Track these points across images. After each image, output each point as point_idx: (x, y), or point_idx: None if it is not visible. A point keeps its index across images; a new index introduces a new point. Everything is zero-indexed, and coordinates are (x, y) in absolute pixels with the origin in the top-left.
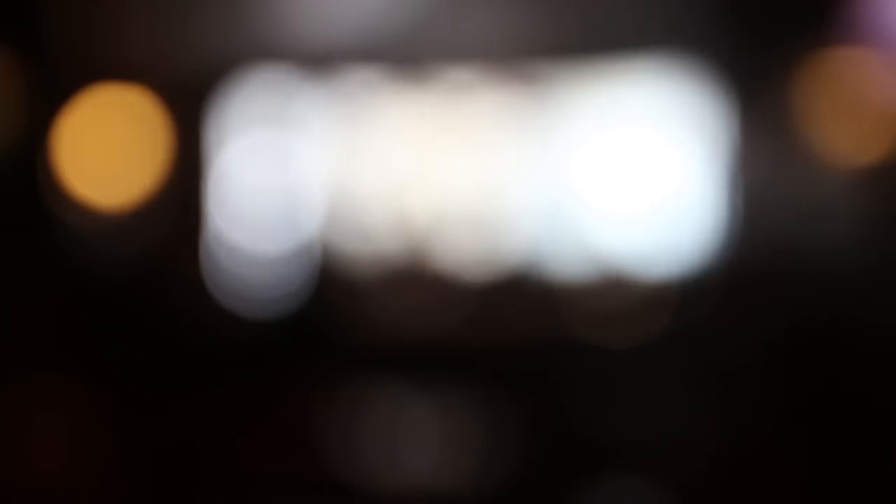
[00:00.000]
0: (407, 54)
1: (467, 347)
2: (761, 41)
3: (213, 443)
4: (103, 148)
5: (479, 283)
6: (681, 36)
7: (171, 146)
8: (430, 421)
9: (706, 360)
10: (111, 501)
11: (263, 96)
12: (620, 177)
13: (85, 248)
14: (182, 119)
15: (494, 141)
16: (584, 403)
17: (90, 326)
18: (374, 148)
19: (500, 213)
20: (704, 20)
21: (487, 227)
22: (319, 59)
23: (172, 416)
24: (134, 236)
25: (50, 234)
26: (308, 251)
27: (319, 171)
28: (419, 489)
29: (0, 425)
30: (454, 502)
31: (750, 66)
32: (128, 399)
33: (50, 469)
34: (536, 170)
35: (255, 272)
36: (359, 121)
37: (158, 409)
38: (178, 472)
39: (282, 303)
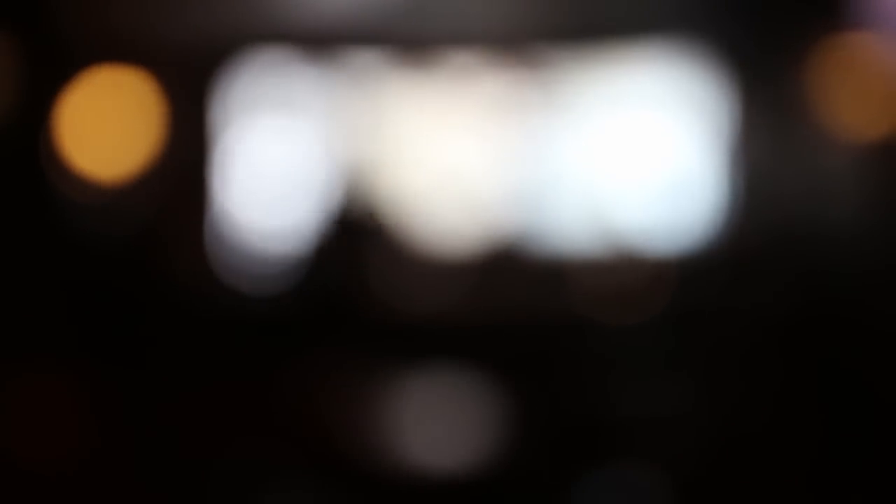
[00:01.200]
0: (410, 37)
1: (470, 325)
2: (764, 23)
3: (217, 419)
4: (106, 126)
5: (482, 261)
6: (684, 18)
7: (173, 125)
8: (432, 400)
9: (708, 338)
10: (116, 482)
11: (265, 77)
12: (624, 156)
13: (87, 224)
14: (184, 99)
15: (497, 123)
16: (586, 381)
17: (91, 301)
18: (377, 129)
19: (503, 192)
20: (707, 2)
21: (490, 207)
22: (322, 41)
23: (175, 392)
24: (136, 215)
25: (53, 211)
26: (310, 229)
27: (321, 152)
28: (418, 469)
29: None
30: (454, 482)
31: (753, 48)
32: (129, 376)
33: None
34: (540, 150)
35: (257, 249)
36: (361, 102)
37: (160, 385)
38: (181, 450)
39: (283, 280)
